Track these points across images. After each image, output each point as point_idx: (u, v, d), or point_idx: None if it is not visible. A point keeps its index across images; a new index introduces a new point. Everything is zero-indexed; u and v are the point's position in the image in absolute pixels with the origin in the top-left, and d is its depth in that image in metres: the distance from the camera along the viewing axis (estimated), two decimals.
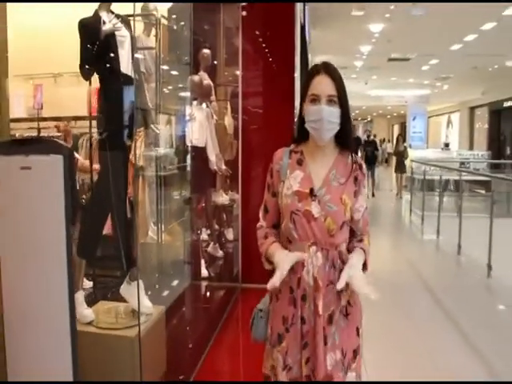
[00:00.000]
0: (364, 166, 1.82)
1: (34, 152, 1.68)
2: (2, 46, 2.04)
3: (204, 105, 4.69)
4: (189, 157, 4.26)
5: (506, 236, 6.06)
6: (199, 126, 4.39)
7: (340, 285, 1.60)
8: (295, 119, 4.67)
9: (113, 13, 2.45)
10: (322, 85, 1.68)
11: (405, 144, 15.05)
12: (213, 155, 4.62)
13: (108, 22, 2.34)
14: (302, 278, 1.67)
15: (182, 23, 3.91)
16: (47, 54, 3.97)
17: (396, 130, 36.33)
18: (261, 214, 1.85)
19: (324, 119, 1.65)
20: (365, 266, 1.73)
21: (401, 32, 10.85)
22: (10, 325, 1.81)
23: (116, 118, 2.27)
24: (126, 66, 2.35)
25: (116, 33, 2.35)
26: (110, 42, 2.30)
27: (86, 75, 2.38)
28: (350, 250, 1.76)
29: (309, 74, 1.74)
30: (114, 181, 2.26)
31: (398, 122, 34.69)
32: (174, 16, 4.30)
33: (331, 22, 10.12)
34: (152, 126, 2.74)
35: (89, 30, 2.33)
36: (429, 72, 16.60)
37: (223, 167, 4.94)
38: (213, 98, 5.18)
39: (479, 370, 3.32)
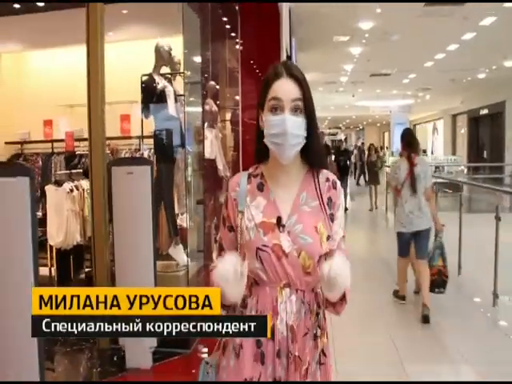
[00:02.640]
0: (338, 183, 1.49)
1: (134, 164, 3.08)
2: (101, 80, 3.37)
3: (212, 127, 6.10)
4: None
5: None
6: (210, 143, 5.78)
7: (324, 269, 1.23)
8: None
9: (162, 75, 3.86)
10: (285, 87, 1.38)
11: (379, 153, 14.53)
12: (220, 165, 6.01)
13: (160, 82, 3.73)
14: (276, 328, 1.35)
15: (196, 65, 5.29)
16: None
17: (387, 137, 37.86)
18: (214, 255, 1.51)
19: (288, 133, 1.34)
20: (344, 298, 1.36)
21: (377, 53, 12.35)
22: (120, 266, 3.20)
23: (167, 142, 3.65)
24: (172, 110, 3.73)
25: (165, 89, 3.73)
26: (162, 96, 3.68)
27: (146, 115, 3.77)
28: None
29: (267, 78, 1.41)
30: (166, 181, 3.64)
31: (388, 129, 36.24)
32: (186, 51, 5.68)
33: (316, 47, 11.60)
34: (187, 146, 4.13)
35: (147, 87, 3.72)
36: (410, 84, 18.13)
37: (228, 174, 6.35)
38: (218, 120, 6.60)
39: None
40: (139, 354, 3.20)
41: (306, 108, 1.38)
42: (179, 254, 3.85)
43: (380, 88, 19.05)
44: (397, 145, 21.98)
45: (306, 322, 1.38)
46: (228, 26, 6.92)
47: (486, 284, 4.56)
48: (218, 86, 7.05)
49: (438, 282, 4.42)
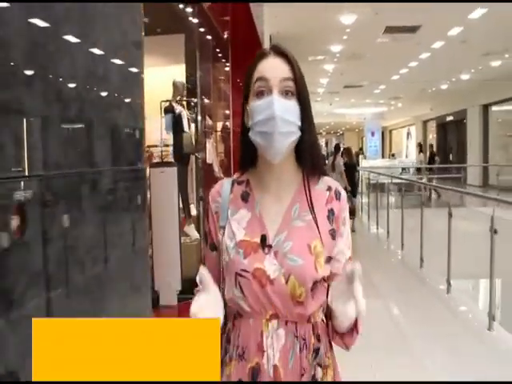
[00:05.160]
0: (343, 193, 1.22)
1: (165, 166, 4.58)
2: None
3: (209, 137, 7.62)
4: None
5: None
6: (208, 150, 7.30)
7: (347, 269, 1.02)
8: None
9: (177, 102, 5.35)
10: (273, 66, 1.13)
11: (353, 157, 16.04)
12: (216, 168, 7.53)
13: (177, 108, 5.22)
14: (262, 369, 1.10)
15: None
16: None
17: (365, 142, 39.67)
18: (198, 277, 1.19)
19: (277, 116, 1.07)
20: (355, 327, 1.12)
21: (349, 69, 13.99)
22: (156, 245, 4.69)
23: (182, 149, 5.13)
24: (186, 127, 5.21)
25: (181, 113, 5.21)
26: (179, 117, 5.17)
27: (167, 131, 5.26)
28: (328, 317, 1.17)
29: (253, 63, 1.16)
30: (182, 178, 5.12)
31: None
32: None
33: None
34: (196, 153, 5.64)
35: (168, 112, 5.21)
36: (381, 94, 19.85)
37: (222, 175, 7.87)
38: (212, 131, 8.12)
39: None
40: (169, 295, 4.69)
41: (299, 91, 1.13)
42: (192, 231, 5.35)
43: (354, 97, 20.75)
44: (370, 149, 23.80)
45: (302, 361, 1.12)
46: (220, 55, 8.46)
47: (419, 254, 6.14)
48: (210, 102, 8.57)
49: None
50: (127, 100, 1.58)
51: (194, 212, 6.17)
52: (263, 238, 1.13)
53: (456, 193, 8.40)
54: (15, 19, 0.95)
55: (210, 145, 7.51)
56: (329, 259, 1.15)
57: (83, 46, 1.22)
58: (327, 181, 1.21)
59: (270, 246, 1.12)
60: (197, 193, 6.05)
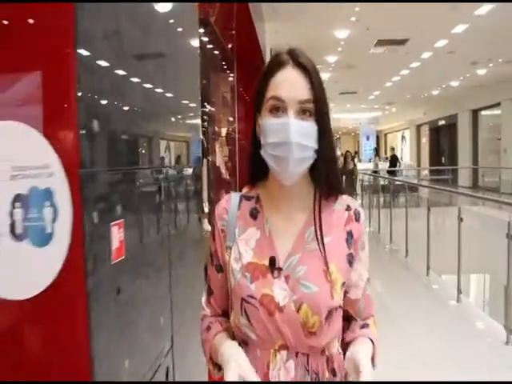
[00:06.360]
0: (362, 213, 1.14)
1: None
2: None
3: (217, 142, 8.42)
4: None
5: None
6: (216, 154, 8.09)
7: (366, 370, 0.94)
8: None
9: None
10: (290, 83, 1.02)
11: (354, 161, 15.00)
12: (223, 170, 8.33)
13: None
14: None
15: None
16: None
17: (361, 145, 40.49)
18: (203, 299, 1.20)
19: (293, 142, 0.98)
20: (372, 362, 1.02)
21: (343, 77, 14.80)
22: None
23: (197, 155, 5.94)
24: (200, 134, 6.01)
25: None
26: None
27: None
28: (348, 344, 1.10)
29: (268, 69, 1.06)
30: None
31: None
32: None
33: None
34: (208, 157, 6.45)
35: None
36: (375, 100, 20.69)
37: (228, 177, 8.68)
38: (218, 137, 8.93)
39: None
40: None
41: (318, 110, 1.02)
42: (205, 224, 6.16)
43: (349, 103, 21.58)
44: (365, 152, 24.66)
45: None
46: (225, 66, 9.27)
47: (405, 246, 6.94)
48: (217, 110, 9.36)
49: None
50: (195, 122, 2.40)
51: (206, 209, 6.98)
52: (272, 261, 1.04)
53: (439, 193, 9.25)
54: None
55: (217, 149, 8.31)
56: (343, 285, 1.07)
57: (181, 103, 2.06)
58: (346, 200, 1.13)
59: (279, 269, 1.04)
60: (208, 193, 6.85)
